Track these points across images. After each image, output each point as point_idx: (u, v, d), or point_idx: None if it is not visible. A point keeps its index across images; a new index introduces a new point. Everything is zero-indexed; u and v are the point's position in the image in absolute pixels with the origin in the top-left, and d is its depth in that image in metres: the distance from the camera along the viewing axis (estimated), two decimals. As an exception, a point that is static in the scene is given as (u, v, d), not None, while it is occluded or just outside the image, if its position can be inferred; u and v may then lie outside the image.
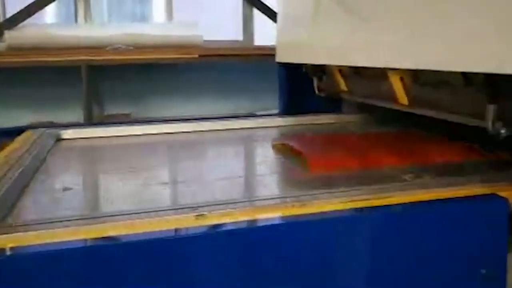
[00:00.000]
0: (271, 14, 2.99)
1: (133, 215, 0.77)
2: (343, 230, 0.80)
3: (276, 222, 0.80)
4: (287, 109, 1.95)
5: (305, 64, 1.81)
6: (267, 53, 2.14)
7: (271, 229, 0.77)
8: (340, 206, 0.83)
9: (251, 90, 3.18)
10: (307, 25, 1.67)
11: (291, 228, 0.77)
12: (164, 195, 0.99)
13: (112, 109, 3.08)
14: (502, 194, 0.86)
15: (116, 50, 2.78)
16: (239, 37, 3.35)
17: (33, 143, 1.33)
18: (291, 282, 0.76)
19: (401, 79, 1.24)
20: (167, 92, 3.18)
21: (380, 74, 1.33)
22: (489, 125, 0.99)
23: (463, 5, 0.95)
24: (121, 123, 1.71)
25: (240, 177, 1.18)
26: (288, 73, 1.96)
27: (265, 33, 3.03)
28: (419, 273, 0.82)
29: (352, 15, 1.36)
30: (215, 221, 0.76)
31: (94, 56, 2.72)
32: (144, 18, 3.65)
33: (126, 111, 3.05)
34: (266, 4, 3.16)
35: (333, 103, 1.93)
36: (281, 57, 1.93)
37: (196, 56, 2.86)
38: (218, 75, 3.19)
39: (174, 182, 1.12)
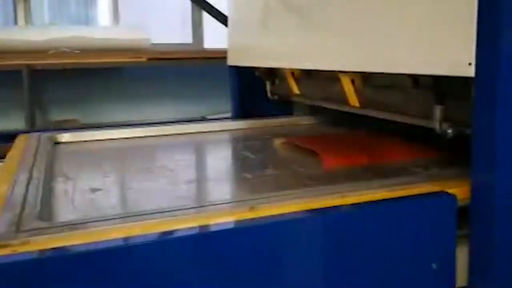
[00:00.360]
0: (221, 17, 2.99)
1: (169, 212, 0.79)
2: (297, 231, 0.80)
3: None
4: (240, 113, 1.95)
5: (258, 67, 1.82)
6: (218, 56, 2.14)
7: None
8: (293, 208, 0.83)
9: (203, 94, 3.16)
10: (258, 29, 1.67)
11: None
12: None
13: (58, 115, 2.96)
14: (451, 191, 0.90)
15: (60, 53, 2.69)
16: (189, 40, 3.32)
17: (36, 147, 1.36)
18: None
19: (352, 81, 1.27)
20: (115, 97, 3.10)
21: (331, 77, 1.35)
22: (436, 125, 1.03)
23: (410, 9, 0.98)
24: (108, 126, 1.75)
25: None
26: (240, 76, 1.96)
27: (215, 36, 3.02)
28: (372, 270, 0.84)
29: (302, 18, 1.38)
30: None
31: (36, 60, 2.61)
32: (88, 21, 3.55)
33: (72, 117, 2.95)
34: (216, 8, 3.15)
35: (285, 106, 1.95)
36: (232, 61, 1.93)
37: (144, 59, 2.80)
38: (168, 79, 3.15)
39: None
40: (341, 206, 0.85)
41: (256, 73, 1.88)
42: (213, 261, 0.73)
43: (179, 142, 1.60)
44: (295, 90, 1.63)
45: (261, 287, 0.77)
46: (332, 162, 1.16)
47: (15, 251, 0.67)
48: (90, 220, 0.76)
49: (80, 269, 0.66)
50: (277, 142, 1.50)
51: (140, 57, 2.80)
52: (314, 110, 1.89)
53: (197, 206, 0.85)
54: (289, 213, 0.81)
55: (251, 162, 1.28)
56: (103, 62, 2.74)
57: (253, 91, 1.95)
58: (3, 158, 1.29)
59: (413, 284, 0.87)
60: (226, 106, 2.16)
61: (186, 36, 3.33)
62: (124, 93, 3.12)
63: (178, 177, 1.16)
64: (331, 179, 1.08)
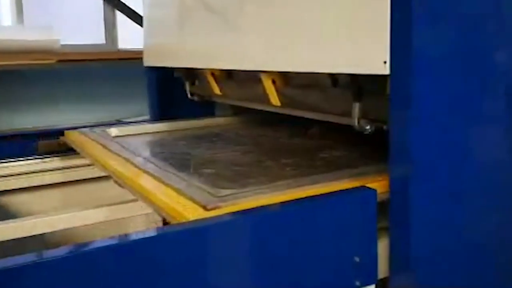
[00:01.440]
0: (136, 17, 2.90)
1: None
2: (221, 232, 0.79)
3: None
4: (158, 115, 1.90)
5: (176, 68, 1.78)
6: (133, 57, 2.06)
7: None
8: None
9: (118, 96, 3.04)
10: (175, 28, 1.63)
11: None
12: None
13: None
14: (371, 185, 0.93)
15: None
16: (102, 41, 3.18)
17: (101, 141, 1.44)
18: None
19: (273, 81, 1.27)
20: (22, 101, 2.89)
21: (253, 77, 1.35)
22: (355, 122, 1.06)
23: (327, 10, 1.00)
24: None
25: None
26: (158, 77, 1.91)
27: (134, 37, 2.91)
28: (296, 266, 0.84)
29: (220, 18, 1.37)
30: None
31: None
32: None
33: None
34: (130, 7, 3.04)
35: (206, 107, 1.93)
36: (149, 61, 1.87)
37: (54, 61, 2.64)
38: (81, 81, 3.00)
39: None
40: (266, 204, 0.85)
41: (175, 74, 1.84)
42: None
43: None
44: (216, 90, 1.61)
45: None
46: None
47: (226, 211, 0.82)
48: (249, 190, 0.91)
49: None
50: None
51: (49, 59, 2.64)
52: (236, 110, 1.89)
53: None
54: (212, 217, 0.80)
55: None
56: (6, 65, 2.54)
57: (171, 92, 1.90)
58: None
59: (337, 277, 0.89)
60: (143, 108, 2.09)
61: (100, 37, 3.19)
62: (32, 97, 2.92)
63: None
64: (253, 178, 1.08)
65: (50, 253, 0.67)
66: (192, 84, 1.79)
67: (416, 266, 0.89)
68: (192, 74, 1.76)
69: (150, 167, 1.13)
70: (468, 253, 0.95)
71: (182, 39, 1.59)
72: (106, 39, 3.19)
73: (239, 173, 1.12)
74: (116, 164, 1.19)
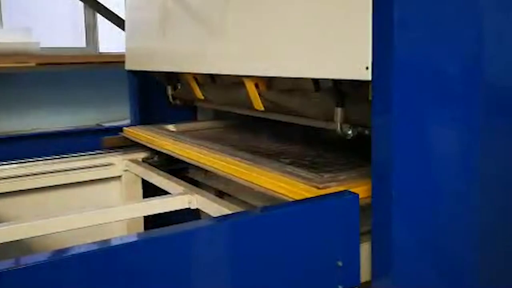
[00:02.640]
0: (117, 20, 2.87)
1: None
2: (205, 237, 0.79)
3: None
4: (139, 119, 1.88)
5: (159, 72, 1.77)
6: (114, 61, 2.04)
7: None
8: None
9: (98, 100, 3.01)
10: (157, 32, 1.62)
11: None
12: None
13: None
14: (354, 190, 0.93)
15: None
16: (83, 44, 3.15)
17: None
18: None
19: (256, 85, 1.28)
20: (1, 105, 2.84)
21: (236, 81, 1.35)
22: (337, 127, 1.06)
23: (310, 16, 1.01)
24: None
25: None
26: (139, 81, 1.89)
27: (112, 40, 2.89)
28: (280, 269, 0.84)
29: (203, 22, 1.37)
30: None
31: None
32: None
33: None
34: (111, 10, 3.01)
35: (188, 112, 1.92)
36: (130, 65, 1.85)
37: (33, 64, 2.60)
38: (61, 85, 2.96)
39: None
40: (248, 211, 0.85)
41: (157, 78, 1.82)
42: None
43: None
44: (199, 95, 1.60)
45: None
46: None
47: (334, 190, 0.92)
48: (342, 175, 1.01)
49: None
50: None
51: (28, 62, 2.59)
52: (218, 115, 1.88)
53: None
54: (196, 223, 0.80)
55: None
56: (-17, 68, 2.50)
57: (153, 96, 1.89)
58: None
59: (320, 282, 0.89)
60: (124, 112, 2.07)
61: (81, 40, 3.15)
62: (13, 101, 2.87)
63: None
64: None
65: (28, 259, 0.66)
66: (174, 88, 1.78)
67: (398, 269, 0.90)
68: (174, 78, 1.75)
69: (240, 155, 1.23)
70: (449, 256, 0.96)
71: (164, 43, 1.58)
72: (87, 42, 3.16)
73: (313, 162, 1.21)
74: (200, 155, 1.30)
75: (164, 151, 1.48)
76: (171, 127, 1.76)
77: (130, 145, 1.72)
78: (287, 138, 1.50)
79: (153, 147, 1.56)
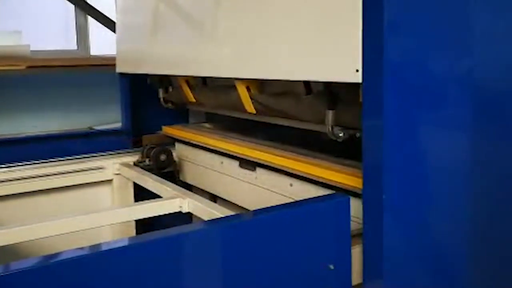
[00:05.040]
0: (108, 23, 2.85)
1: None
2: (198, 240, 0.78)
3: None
4: (131, 123, 1.87)
5: (150, 75, 1.76)
6: (106, 63, 2.03)
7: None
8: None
9: (90, 103, 2.99)
10: (148, 35, 1.62)
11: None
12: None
13: None
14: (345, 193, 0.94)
15: None
16: (74, 47, 3.13)
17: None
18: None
19: (248, 88, 1.28)
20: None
21: (228, 84, 1.35)
22: (328, 129, 1.06)
23: (300, 19, 1.01)
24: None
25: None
26: (131, 84, 1.88)
27: (104, 42, 2.88)
28: (272, 273, 0.85)
29: (195, 25, 1.36)
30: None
31: None
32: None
33: None
34: (102, 12, 3.00)
35: (179, 114, 1.92)
36: (121, 68, 1.85)
37: (23, 67, 2.58)
38: (52, 88, 2.93)
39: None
40: (242, 214, 0.85)
41: (148, 81, 1.82)
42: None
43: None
44: (191, 97, 1.60)
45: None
46: None
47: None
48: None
49: None
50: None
51: (18, 65, 2.57)
52: (210, 118, 1.88)
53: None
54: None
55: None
56: (-29, 71, 2.47)
57: (145, 99, 1.88)
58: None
59: (311, 285, 0.89)
60: (115, 115, 2.05)
61: (72, 43, 3.13)
62: (2, 103, 2.84)
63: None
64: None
65: (18, 265, 0.65)
66: (166, 91, 1.78)
67: (389, 271, 0.90)
68: (166, 81, 1.75)
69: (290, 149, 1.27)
70: (440, 259, 0.96)
71: (156, 46, 1.57)
72: (78, 45, 3.14)
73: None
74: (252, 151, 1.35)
75: (216, 149, 1.51)
76: (206, 125, 1.84)
77: (168, 143, 1.77)
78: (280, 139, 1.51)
79: (203, 145, 1.58)
